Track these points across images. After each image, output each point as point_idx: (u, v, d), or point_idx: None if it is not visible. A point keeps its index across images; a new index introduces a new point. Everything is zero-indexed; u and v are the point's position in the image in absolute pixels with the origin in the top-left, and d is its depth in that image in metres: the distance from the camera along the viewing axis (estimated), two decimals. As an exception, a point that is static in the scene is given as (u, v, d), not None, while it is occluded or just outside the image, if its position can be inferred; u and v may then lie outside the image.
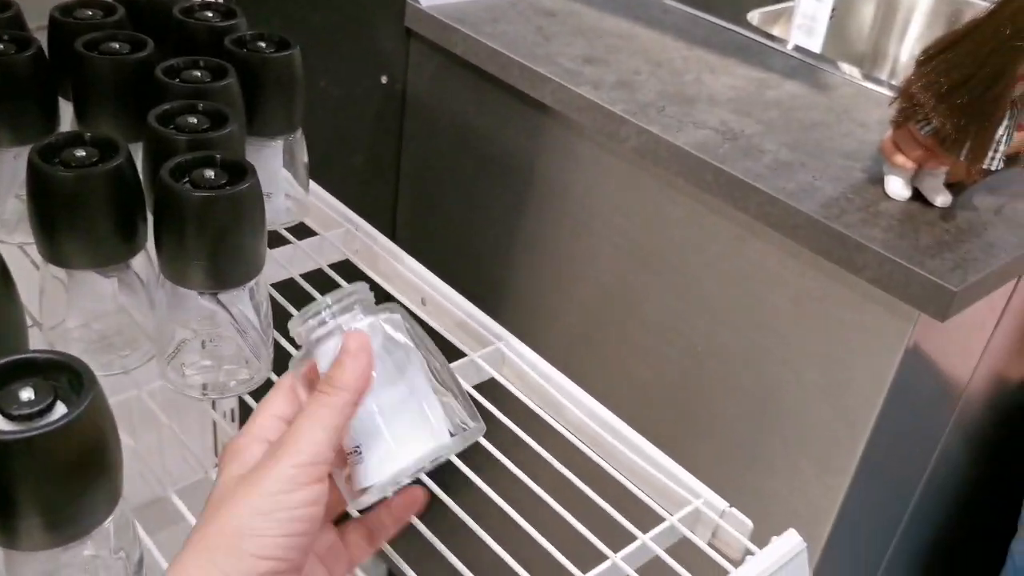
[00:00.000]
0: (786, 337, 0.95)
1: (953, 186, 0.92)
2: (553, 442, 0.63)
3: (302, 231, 0.79)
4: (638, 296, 1.07)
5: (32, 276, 0.61)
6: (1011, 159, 0.86)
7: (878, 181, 0.93)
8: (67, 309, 0.60)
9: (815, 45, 1.28)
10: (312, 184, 0.81)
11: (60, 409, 0.39)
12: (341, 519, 0.49)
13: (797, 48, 1.21)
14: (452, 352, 0.69)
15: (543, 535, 0.56)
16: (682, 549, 0.57)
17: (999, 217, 0.91)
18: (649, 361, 1.08)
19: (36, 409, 0.38)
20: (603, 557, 0.55)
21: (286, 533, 0.39)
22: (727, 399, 1.02)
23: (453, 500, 0.58)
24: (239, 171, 0.56)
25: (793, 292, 0.93)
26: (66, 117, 0.68)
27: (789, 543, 0.56)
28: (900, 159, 0.88)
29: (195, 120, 0.60)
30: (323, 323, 0.45)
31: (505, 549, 0.55)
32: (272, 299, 0.65)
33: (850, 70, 1.17)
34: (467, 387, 0.66)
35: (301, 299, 0.72)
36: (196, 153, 0.56)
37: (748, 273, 0.96)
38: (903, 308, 0.84)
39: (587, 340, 1.15)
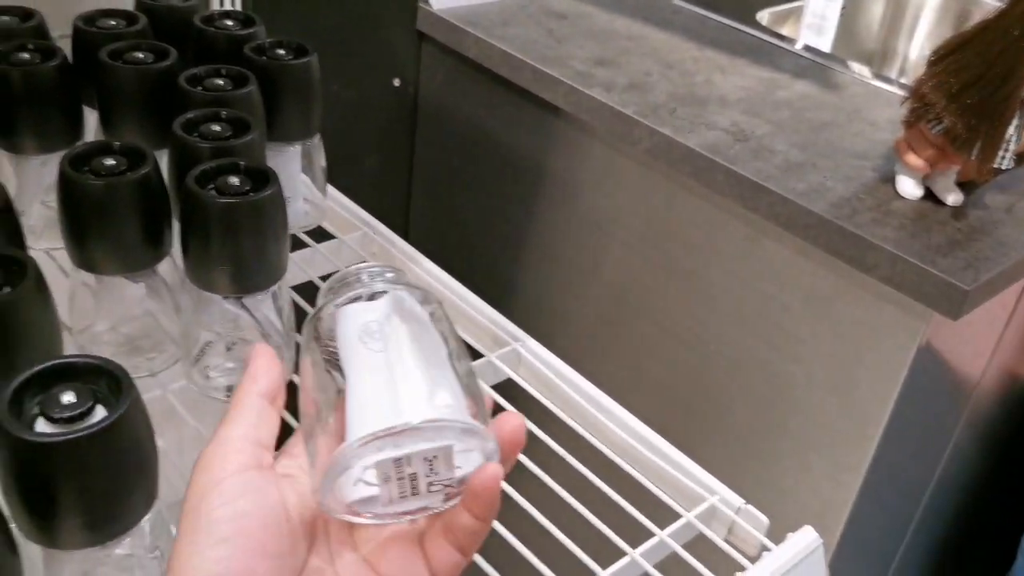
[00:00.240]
0: (797, 336, 0.95)
1: (964, 185, 0.93)
2: (570, 441, 0.64)
3: (320, 234, 0.80)
4: (650, 296, 1.08)
5: (58, 281, 0.62)
6: (1021, 158, 0.87)
7: (889, 180, 0.93)
8: (96, 313, 0.61)
9: (825, 44, 1.29)
10: (329, 188, 0.82)
11: (100, 412, 0.40)
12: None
13: (807, 48, 1.22)
14: (469, 352, 0.71)
15: (562, 532, 0.57)
16: (698, 546, 0.59)
17: (1010, 216, 0.92)
18: (661, 361, 1.09)
19: (77, 412, 0.40)
20: (621, 553, 0.56)
21: (216, 541, 0.34)
22: (739, 398, 1.03)
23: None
24: (262, 178, 0.57)
25: (804, 291, 0.93)
26: (90, 125, 0.69)
27: (805, 539, 0.57)
28: (912, 159, 0.89)
29: (218, 128, 0.61)
30: (357, 279, 0.41)
31: (525, 545, 0.56)
32: (292, 302, 0.66)
33: (860, 69, 1.18)
34: (486, 388, 0.67)
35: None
36: (220, 160, 0.57)
37: (759, 273, 0.97)
38: (915, 307, 0.85)
39: (599, 340, 1.16)
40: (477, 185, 1.25)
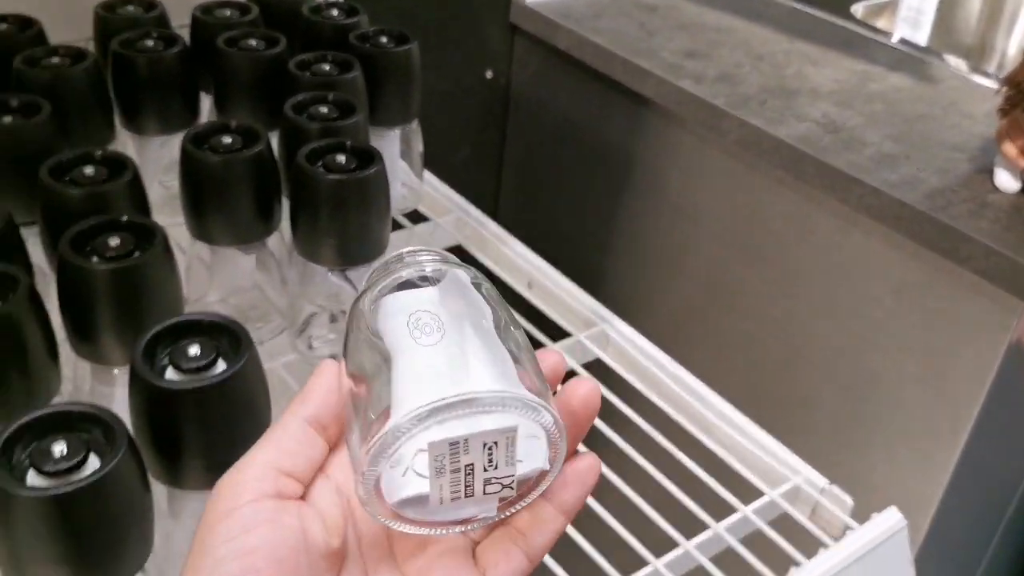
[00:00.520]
0: (887, 328, 0.95)
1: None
2: (655, 420, 0.65)
3: (416, 218, 0.83)
4: (737, 288, 1.09)
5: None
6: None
7: (985, 173, 0.92)
8: (208, 285, 0.65)
9: (921, 38, 1.27)
10: (425, 172, 0.85)
11: (221, 365, 0.44)
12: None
13: (902, 41, 1.21)
14: (558, 332, 0.73)
15: (647, 503, 0.59)
16: (780, 525, 0.59)
17: (1110, 210, 0.90)
18: (747, 353, 1.10)
19: (202, 364, 0.43)
20: (705, 527, 0.58)
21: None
22: (826, 390, 1.02)
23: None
24: (367, 157, 0.60)
25: (895, 283, 0.93)
26: (203, 109, 0.73)
27: (890, 520, 0.57)
28: (1008, 147, 0.88)
29: (325, 110, 0.65)
30: (399, 260, 0.36)
31: (612, 516, 0.58)
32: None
33: (956, 63, 1.16)
34: (574, 365, 0.69)
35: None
36: (329, 139, 0.60)
37: (849, 265, 0.96)
38: (1008, 300, 0.84)
39: (685, 331, 1.17)
40: (566, 176, 1.27)
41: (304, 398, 0.34)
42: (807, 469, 0.62)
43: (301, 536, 0.31)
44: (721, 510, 0.59)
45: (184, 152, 0.58)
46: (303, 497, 0.33)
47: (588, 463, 0.33)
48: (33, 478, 0.38)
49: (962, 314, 0.88)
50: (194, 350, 0.43)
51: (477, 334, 0.33)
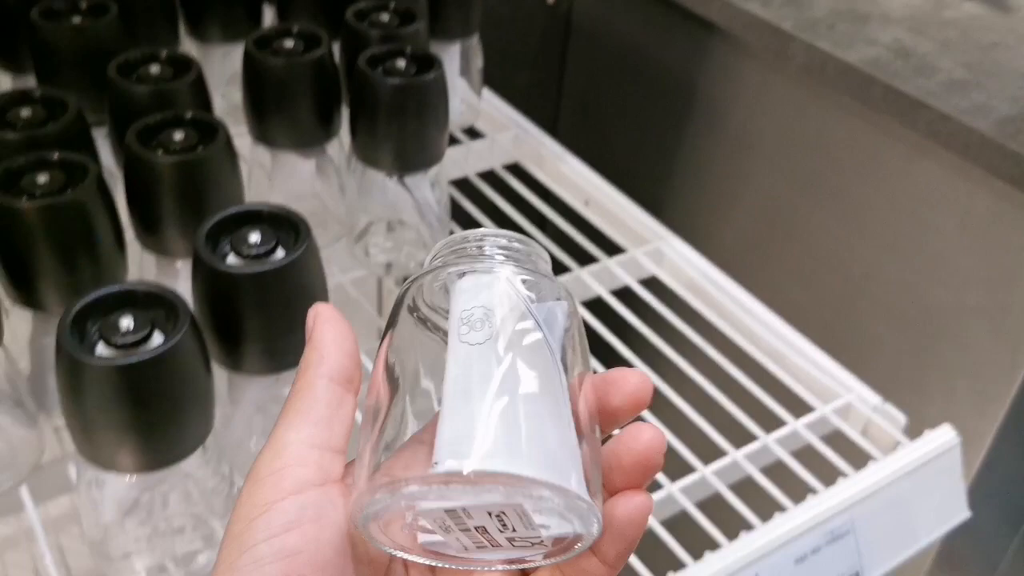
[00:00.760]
0: (949, 260, 0.93)
1: None
2: (709, 337, 0.65)
3: (474, 135, 0.83)
4: (797, 220, 1.07)
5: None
6: None
7: (1060, 102, 0.89)
8: (268, 192, 0.66)
9: (999, -34, 1.22)
10: (484, 90, 0.85)
11: (280, 253, 0.45)
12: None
13: (979, -32, 1.16)
14: (613, 249, 0.73)
15: (697, 415, 0.59)
16: (830, 443, 0.59)
17: None
18: (806, 286, 1.08)
19: (263, 251, 0.44)
20: (755, 438, 0.58)
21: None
22: (884, 324, 1.01)
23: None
24: (427, 63, 0.60)
25: (960, 214, 0.91)
26: (265, 19, 0.74)
27: (943, 436, 0.57)
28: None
29: (386, 17, 0.65)
30: (474, 253, 0.29)
31: (663, 424, 0.58)
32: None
33: (1036, -9, 1.12)
34: (629, 282, 0.69)
35: (475, 196, 0.76)
36: (390, 45, 0.60)
37: (914, 194, 0.94)
38: (1078, 231, 0.82)
39: (742, 263, 1.16)
40: (627, 104, 1.25)
41: (320, 355, 0.29)
42: (860, 387, 0.61)
43: (345, 537, 0.28)
44: (772, 425, 0.59)
45: (247, 54, 0.59)
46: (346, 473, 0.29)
47: (637, 516, 0.27)
48: (102, 350, 0.39)
49: (1028, 245, 0.86)
50: (255, 237, 0.44)
51: (531, 368, 0.27)
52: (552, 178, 0.79)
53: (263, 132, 0.61)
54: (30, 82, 0.63)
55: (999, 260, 0.89)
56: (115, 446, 0.41)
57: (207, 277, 0.44)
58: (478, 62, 0.80)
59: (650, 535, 0.53)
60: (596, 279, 0.68)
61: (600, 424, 0.29)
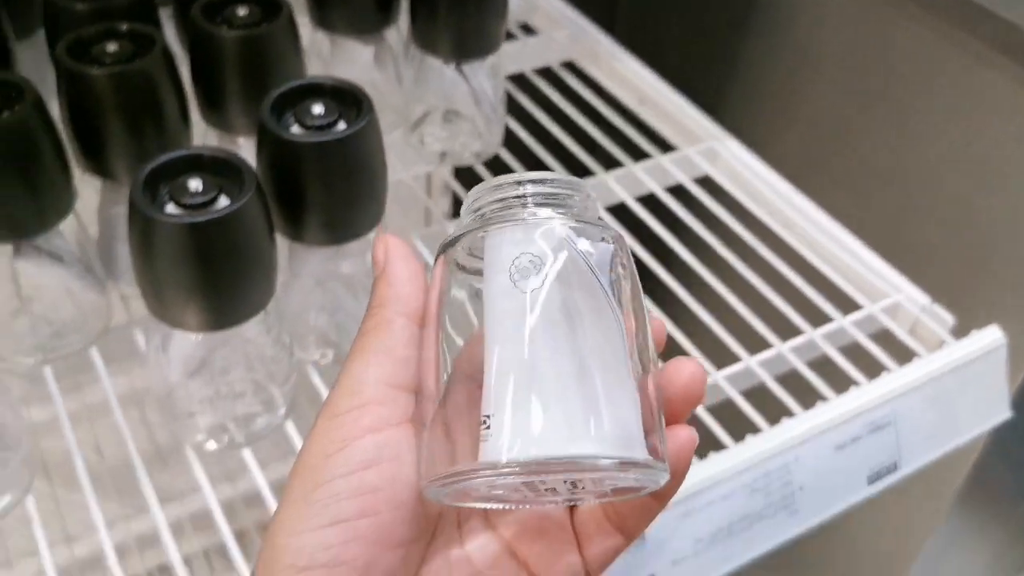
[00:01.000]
0: (1005, 171, 0.92)
1: None
2: (760, 235, 0.66)
3: (530, 32, 0.83)
4: (853, 131, 1.06)
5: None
6: None
7: None
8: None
9: None
10: (541, -12, 0.84)
11: (342, 125, 0.46)
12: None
13: None
14: (667, 148, 0.73)
15: (745, 308, 0.60)
16: (876, 342, 0.59)
17: None
18: (860, 202, 1.07)
19: (326, 122, 0.45)
20: (800, 332, 0.59)
21: (331, 520, 0.27)
22: (937, 235, 1.00)
23: (669, 274, 0.63)
24: (488, -52, 0.59)
25: (1020, 124, 0.89)
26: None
27: (990, 336, 0.57)
28: None
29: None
30: (508, 203, 0.28)
31: (713, 317, 0.59)
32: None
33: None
34: (682, 179, 0.69)
35: (531, 92, 0.77)
36: (451, -71, 0.60)
37: (973, 105, 0.93)
38: None
39: (797, 178, 1.15)
40: (683, 9, 1.23)
41: (396, 293, 0.29)
42: (910, 287, 0.61)
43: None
44: (820, 322, 0.60)
45: (309, -65, 0.59)
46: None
47: (683, 452, 0.28)
48: (172, 209, 0.41)
49: (1092, 159, 0.84)
50: (318, 109, 0.45)
51: (589, 333, 0.27)
52: (607, 76, 0.78)
53: (323, 17, 0.61)
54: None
55: (1059, 174, 0.88)
56: (182, 304, 0.42)
57: (272, 146, 0.45)
58: (536, -44, 0.79)
59: (693, 419, 0.54)
60: (649, 175, 0.69)
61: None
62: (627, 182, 0.68)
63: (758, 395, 0.55)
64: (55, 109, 0.48)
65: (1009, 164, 0.91)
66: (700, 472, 0.48)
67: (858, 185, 1.07)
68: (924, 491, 0.89)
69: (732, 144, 0.71)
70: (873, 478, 0.53)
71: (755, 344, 0.58)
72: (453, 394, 0.27)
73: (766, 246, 0.64)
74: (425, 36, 0.61)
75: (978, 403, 0.57)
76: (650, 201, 0.68)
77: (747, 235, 0.65)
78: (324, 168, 0.45)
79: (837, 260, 0.63)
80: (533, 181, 0.28)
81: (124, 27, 0.49)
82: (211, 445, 0.50)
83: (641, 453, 0.26)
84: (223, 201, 0.41)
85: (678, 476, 0.28)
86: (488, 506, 0.28)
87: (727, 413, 0.54)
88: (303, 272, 0.50)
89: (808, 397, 0.54)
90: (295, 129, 0.45)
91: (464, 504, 0.28)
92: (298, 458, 0.28)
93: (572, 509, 0.30)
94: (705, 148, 0.71)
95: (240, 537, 0.51)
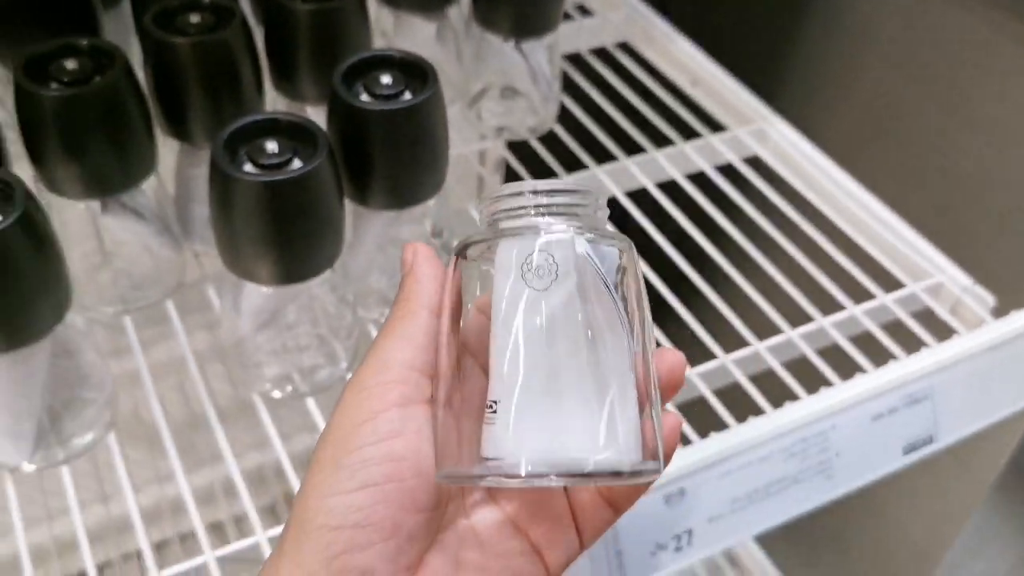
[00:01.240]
0: (1060, 163, 0.92)
1: None
2: (807, 214, 0.67)
3: (586, 12, 0.85)
4: (905, 116, 1.06)
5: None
6: None
7: None
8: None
9: None
10: (598, -31, 0.86)
11: (407, 95, 0.48)
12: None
13: None
14: (718, 128, 0.74)
15: (787, 281, 0.62)
16: (917, 320, 0.61)
17: None
18: (910, 184, 1.08)
19: (394, 92, 0.48)
20: (842, 308, 0.60)
21: (360, 484, 0.29)
22: (985, 222, 1.01)
23: (716, 249, 0.64)
24: (549, -70, 0.62)
25: (1076, 115, 0.89)
26: None
27: (1030, 317, 0.58)
28: None
29: None
30: (518, 212, 0.31)
31: (757, 291, 0.61)
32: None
33: None
34: (732, 158, 0.71)
35: (586, 72, 0.79)
36: (514, -90, 0.62)
37: (1028, 94, 0.93)
38: None
39: (847, 161, 1.16)
40: (738, -5, 1.24)
41: (422, 288, 0.32)
42: (953, 268, 0.63)
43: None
44: (862, 299, 0.61)
45: (378, -85, 0.62)
46: None
47: (670, 434, 0.32)
48: (250, 169, 0.44)
49: None
50: (387, 79, 0.48)
51: (620, 357, 0.30)
52: (661, 57, 0.80)
53: (389, -5, 0.64)
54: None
55: (1112, 164, 0.88)
56: (256, 258, 0.46)
57: (343, 113, 0.47)
58: (594, -61, 0.81)
59: (736, 387, 0.56)
60: (699, 153, 0.70)
61: None
62: (678, 160, 0.70)
63: (799, 366, 0.57)
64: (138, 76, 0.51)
65: (1061, 153, 0.92)
66: (739, 435, 0.50)
67: (907, 169, 1.07)
68: (960, 478, 0.90)
69: (781, 125, 0.73)
70: (908, 449, 0.55)
71: (798, 318, 0.60)
72: (465, 383, 0.31)
73: (812, 224, 0.66)
74: (486, 14, 0.64)
75: (1016, 382, 0.58)
76: (700, 179, 0.69)
77: (793, 213, 0.67)
78: (391, 135, 0.47)
79: (881, 240, 0.65)
80: (545, 192, 0.30)
81: (207, 0, 0.52)
82: (276, 394, 0.53)
83: (643, 458, 0.29)
84: (297, 163, 0.44)
85: (667, 454, 0.31)
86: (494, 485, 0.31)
87: (768, 382, 0.56)
88: (366, 235, 0.53)
89: (848, 370, 0.55)
90: (364, 98, 0.48)
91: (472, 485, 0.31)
92: (327, 427, 0.31)
93: (568, 490, 0.33)
94: (755, 129, 0.72)
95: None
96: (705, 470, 0.49)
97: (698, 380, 0.56)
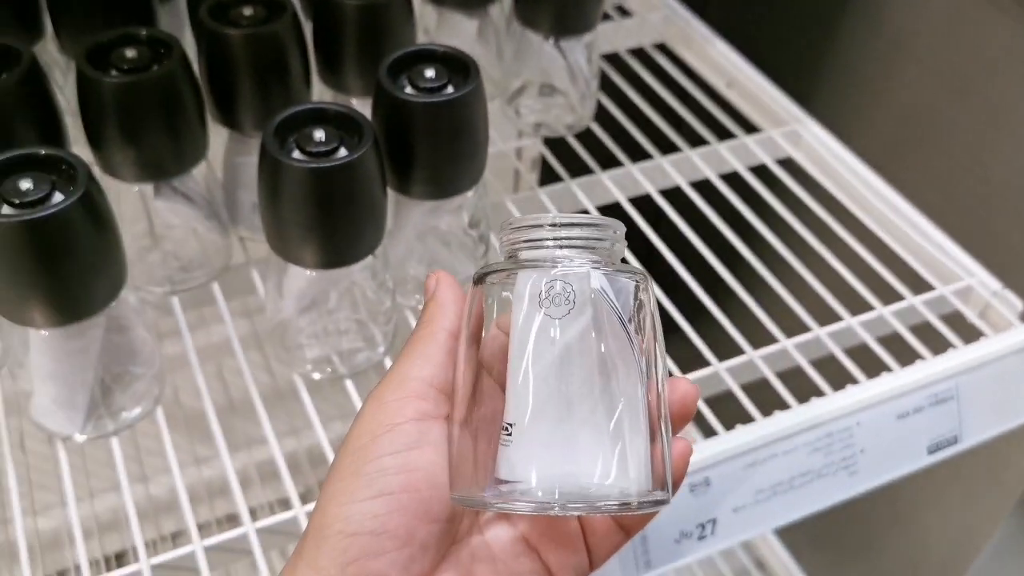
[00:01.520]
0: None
1: None
2: (838, 216, 0.68)
3: (625, 13, 0.86)
4: (941, 123, 1.06)
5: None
6: None
7: None
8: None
9: None
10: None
11: (450, 89, 0.50)
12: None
13: None
14: (751, 128, 0.75)
15: (816, 281, 0.63)
16: (945, 323, 0.61)
17: None
18: (941, 188, 1.08)
19: (437, 85, 0.49)
20: (871, 308, 0.61)
21: (377, 493, 0.31)
22: (1018, 233, 1.01)
23: (747, 248, 0.65)
24: (590, -69, 0.63)
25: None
26: None
27: (1058, 321, 0.59)
28: None
29: None
30: (537, 244, 0.32)
31: (787, 289, 0.62)
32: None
33: None
34: (765, 159, 0.72)
35: (623, 71, 0.80)
36: (556, -89, 0.64)
37: (1066, 103, 0.93)
38: None
39: (881, 166, 1.16)
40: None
41: (443, 311, 0.34)
42: (982, 272, 0.63)
43: None
44: (891, 301, 0.62)
45: (425, -86, 0.63)
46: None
47: (679, 461, 0.33)
48: (298, 156, 0.46)
49: None
50: (430, 73, 0.50)
51: (632, 388, 0.31)
52: (698, 59, 0.81)
53: (433, -9, 0.65)
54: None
55: None
56: (301, 242, 0.47)
57: (387, 105, 0.49)
58: (635, -59, 0.82)
59: (763, 382, 0.57)
60: (733, 154, 0.71)
61: None
62: (712, 159, 0.71)
63: (826, 364, 0.58)
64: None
65: (1097, 162, 0.92)
66: (765, 428, 0.51)
67: (941, 175, 1.08)
68: (988, 488, 0.90)
69: (815, 128, 0.74)
70: (933, 448, 0.56)
71: (827, 317, 0.60)
72: (483, 404, 0.32)
73: (843, 226, 0.67)
74: (527, 12, 0.65)
75: (1043, 386, 0.59)
76: (733, 179, 0.71)
77: (825, 215, 0.68)
78: (433, 127, 0.49)
79: (911, 242, 0.66)
80: (564, 224, 0.32)
81: (259, -7, 0.54)
82: (316, 375, 0.55)
83: (652, 488, 0.31)
84: (343, 151, 0.46)
85: (675, 481, 0.32)
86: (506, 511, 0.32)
87: (795, 379, 0.57)
88: (406, 224, 0.55)
89: (874, 369, 0.56)
90: (408, 91, 0.49)
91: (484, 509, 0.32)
92: (347, 438, 0.32)
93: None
94: (789, 131, 0.73)
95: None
96: (731, 461, 0.50)
97: (726, 374, 0.57)
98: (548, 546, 0.33)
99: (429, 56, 0.51)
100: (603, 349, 0.31)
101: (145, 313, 0.51)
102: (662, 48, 0.83)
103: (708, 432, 0.53)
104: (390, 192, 0.52)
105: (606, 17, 0.83)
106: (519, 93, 0.72)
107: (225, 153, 0.59)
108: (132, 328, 0.49)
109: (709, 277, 0.63)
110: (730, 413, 0.55)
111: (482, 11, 0.68)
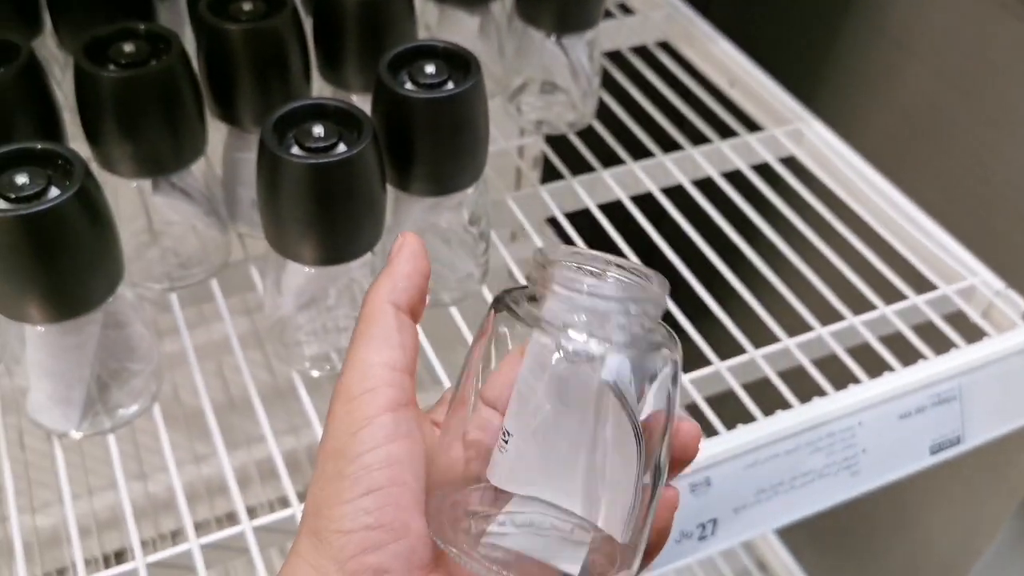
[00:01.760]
0: (1100, 172, 0.91)
1: None
2: (840, 215, 0.68)
3: (627, 11, 0.86)
4: (945, 124, 1.06)
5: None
6: None
7: None
8: (433, 46, 0.71)
9: None
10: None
11: (451, 85, 0.50)
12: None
13: None
14: (753, 126, 0.75)
15: (818, 280, 0.62)
16: (948, 323, 0.61)
17: None
18: (945, 190, 1.08)
19: (437, 81, 0.49)
20: (873, 307, 0.61)
21: (365, 490, 0.30)
22: (1018, 230, 1.00)
23: (749, 246, 0.65)
24: (592, -72, 0.63)
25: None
26: None
27: (1062, 321, 0.58)
28: None
29: None
30: (572, 286, 0.30)
31: (789, 289, 0.62)
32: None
33: None
34: (768, 158, 0.72)
35: (625, 69, 0.80)
36: (558, -93, 0.63)
37: (1070, 103, 0.92)
38: None
39: (884, 165, 1.16)
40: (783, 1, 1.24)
41: (393, 284, 0.33)
42: (985, 271, 0.63)
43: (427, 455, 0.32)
44: (893, 299, 0.62)
45: (426, -90, 0.63)
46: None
47: (664, 511, 0.32)
48: (297, 151, 0.45)
49: None
50: (430, 69, 0.49)
51: (618, 469, 0.30)
52: (700, 57, 0.81)
53: (433, -13, 0.65)
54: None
55: None
56: (300, 239, 0.47)
57: (387, 100, 0.49)
58: (637, -62, 0.82)
59: (764, 382, 0.57)
60: (735, 152, 0.71)
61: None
62: (714, 158, 0.71)
63: (828, 364, 0.58)
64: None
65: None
66: (766, 427, 0.51)
67: (944, 175, 1.07)
68: (991, 490, 0.90)
69: (818, 126, 0.73)
70: (935, 449, 0.55)
71: (829, 316, 0.60)
72: (479, 432, 0.31)
73: (845, 225, 0.66)
74: (528, 9, 0.65)
75: (1046, 386, 0.58)
76: (735, 177, 0.70)
77: (827, 213, 0.67)
78: (433, 123, 0.49)
79: (914, 241, 0.65)
80: (601, 296, 0.29)
81: (258, -12, 0.54)
82: (315, 372, 0.54)
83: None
84: (342, 147, 0.46)
85: (661, 529, 0.32)
86: (476, 566, 0.30)
87: (797, 379, 0.57)
88: (406, 221, 0.55)
89: (877, 368, 0.56)
90: (408, 86, 0.49)
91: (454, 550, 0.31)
92: (323, 439, 0.31)
93: None
94: (791, 129, 0.73)
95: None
96: (731, 460, 0.50)
97: (727, 373, 0.56)
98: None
99: (430, 52, 0.51)
100: (602, 437, 0.30)
101: (143, 309, 0.51)
102: (664, 46, 0.83)
103: (709, 431, 0.52)
104: (390, 188, 0.52)
105: (608, 15, 0.83)
106: (520, 90, 0.71)
107: (224, 149, 0.58)
108: (129, 324, 0.49)
109: (711, 275, 0.63)
110: (731, 412, 0.54)
111: (483, 8, 0.67)
